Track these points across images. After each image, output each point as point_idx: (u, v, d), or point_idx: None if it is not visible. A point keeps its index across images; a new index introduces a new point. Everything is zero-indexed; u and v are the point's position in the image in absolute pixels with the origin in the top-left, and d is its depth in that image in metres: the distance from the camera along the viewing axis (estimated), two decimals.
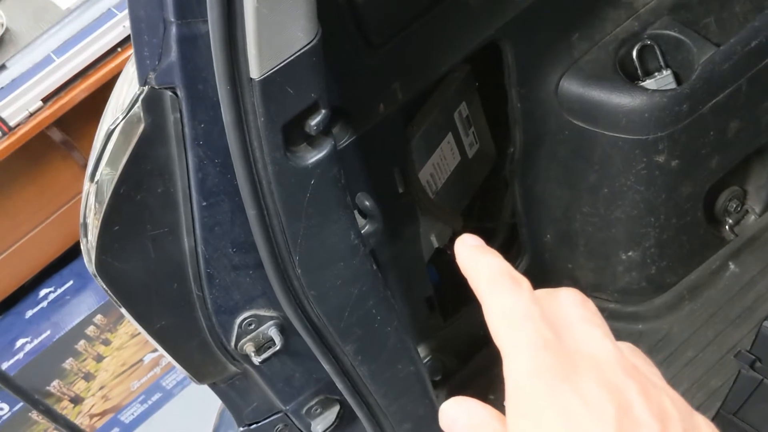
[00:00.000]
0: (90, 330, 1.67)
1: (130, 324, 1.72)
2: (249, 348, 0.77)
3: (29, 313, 1.66)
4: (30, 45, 1.44)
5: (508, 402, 0.36)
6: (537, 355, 0.36)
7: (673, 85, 0.97)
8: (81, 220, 0.66)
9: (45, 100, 1.40)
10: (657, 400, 0.36)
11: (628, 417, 0.34)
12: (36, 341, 1.62)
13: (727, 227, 1.18)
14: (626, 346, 0.40)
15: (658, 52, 0.97)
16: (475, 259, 0.42)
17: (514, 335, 0.37)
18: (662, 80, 0.97)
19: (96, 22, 1.44)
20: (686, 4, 0.97)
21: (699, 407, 0.37)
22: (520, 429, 0.35)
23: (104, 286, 0.69)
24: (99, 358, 1.72)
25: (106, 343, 1.71)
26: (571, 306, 0.40)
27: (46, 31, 1.45)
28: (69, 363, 1.67)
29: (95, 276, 0.68)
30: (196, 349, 0.77)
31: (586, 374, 0.36)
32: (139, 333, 1.75)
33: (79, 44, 1.42)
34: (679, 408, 0.36)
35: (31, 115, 1.40)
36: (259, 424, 0.89)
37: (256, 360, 0.76)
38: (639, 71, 0.97)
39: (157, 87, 0.60)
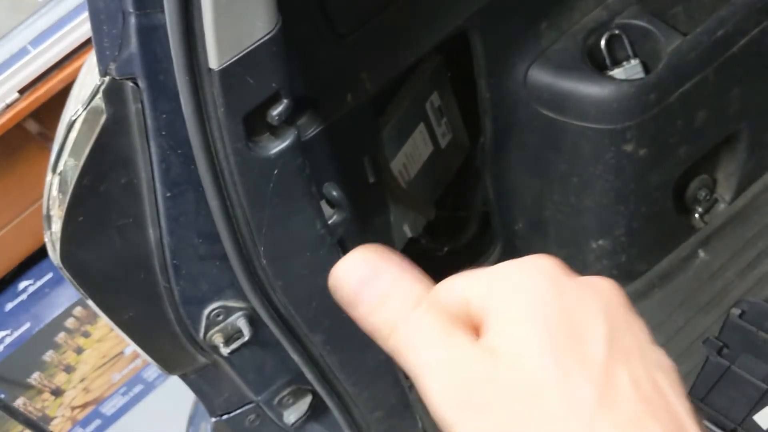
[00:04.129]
0: (70, 322, 1.66)
1: None
2: (218, 339, 0.77)
3: (9, 306, 1.66)
4: (6, 36, 1.43)
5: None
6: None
7: (642, 74, 0.98)
8: (44, 212, 0.66)
9: (21, 91, 1.40)
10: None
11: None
12: (16, 334, 1.62)
13: (696, 215, 1.19)
14: None
15: (626, 42, 0.98)
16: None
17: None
18: (630, 69, 0.97)
19: (72, 13, 1.43)
20: None
21: None
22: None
23: (70, 278, 0.69)
24: (79, 351, 1.72)
25: (86, 335, 1.71)
26: None
27: (22, 22, 1.44)
28: (49, 355, 1.67)
29: (60, 268, 0.68)
30: (164, 340, 0.77)
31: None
32: None
33: (56, 35, 1.41)
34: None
35: (8, 106, 1.39)
36: (231, 414, 0.89)
37: (225, 351, 0.76)
38: (607, 60, 0.98)
39: (117, 78, 0.60)
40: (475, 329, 0.33)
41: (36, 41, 1.42)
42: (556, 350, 0.31)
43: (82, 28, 1.43)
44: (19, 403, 1.68)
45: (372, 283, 0.34)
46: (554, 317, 0.32)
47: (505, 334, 0.32)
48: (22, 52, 1.41)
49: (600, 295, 0.34)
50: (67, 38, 1.42)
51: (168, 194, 0.66)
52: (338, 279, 0.35)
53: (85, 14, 1.42)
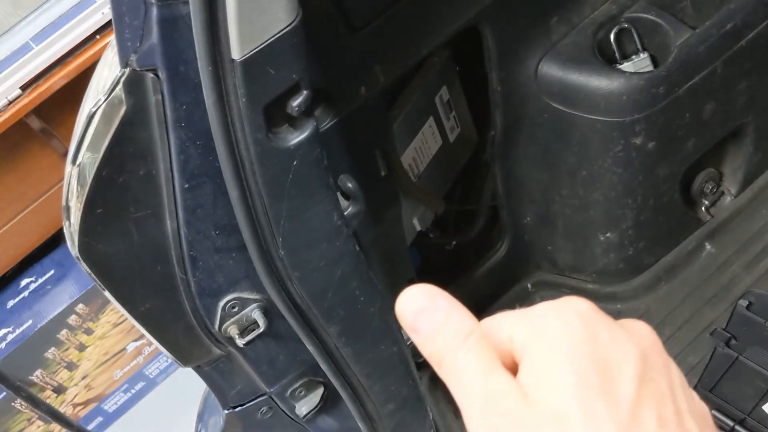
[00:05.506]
0: (72, 319, 1.66)
1: (112, 313, 1.71)
2: (233, 330, 0.77)
3: (11, 303, 1.65)
4: (8, 32, 1.43)
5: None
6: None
7: (651, 68, 0.99)
8: (63, 203, 0.66)
9: (24, 87, 1.40)
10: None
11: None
12: (18, 331, 1.61)
13: (703, 208, 1.20)
14: None
15: (635, 35, 0.98)
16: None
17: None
18: (639, 63, 0.98)
19: (74, 9, 1.43)
20: None
21: None
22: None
23: (87, 270, 0.69)
24: (81, 348, 1.71)
25: (89, 332, 1.70)
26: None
27: (24, 18, 1.44)
28: (51, 352, 1.66)
29: (78, 259, 0.68)
30: (180, 331, 0.77)
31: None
32: (122, 322, 1.74)
33: (58, 31, 1.41)
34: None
35: (10, 103, 1.39)
36: (244, 406, 0.90)
37: (240, 342, 0.77)
38: (617, 54, 0.99)
39: (138, 69, 0.60)
40: (515, 365, 0.36)
41: (38, 38, 1.42)
42: (583, 391, 0.33)
43: (84, 25, 1.42)
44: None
45: (428, 313, 0.37)
46: (586, 359, 0.34)
47: (538, 375, 0.35)
48: (25, 48, 1.41)
49: (635, 337, 0.36)
50: (69, 35, 1.42)
51: (186, 186, 0.66)
52: (400, 307, 0.38)
53: (87, 10, 1.42)
